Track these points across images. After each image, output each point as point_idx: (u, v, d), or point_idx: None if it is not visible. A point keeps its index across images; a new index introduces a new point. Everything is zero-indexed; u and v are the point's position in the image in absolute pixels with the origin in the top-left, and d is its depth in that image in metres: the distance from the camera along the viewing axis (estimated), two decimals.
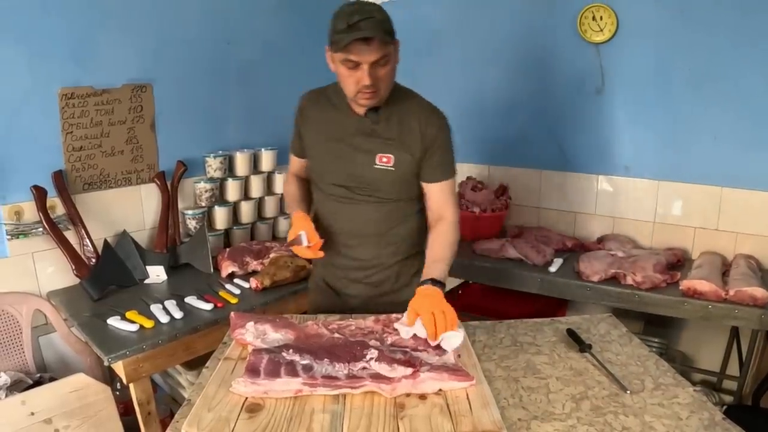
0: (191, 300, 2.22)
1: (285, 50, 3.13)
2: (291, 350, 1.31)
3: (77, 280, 2.33)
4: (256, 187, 3.02)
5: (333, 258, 1.81)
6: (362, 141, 1.65)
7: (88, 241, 2.38)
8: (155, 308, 2.13)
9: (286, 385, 1.21)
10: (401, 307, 1.68)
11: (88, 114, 2.40)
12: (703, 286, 2.22)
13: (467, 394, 1.23)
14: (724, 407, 2.35)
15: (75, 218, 2.36)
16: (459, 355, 1.39)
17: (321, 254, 1.69)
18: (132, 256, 2.50)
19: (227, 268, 2.51)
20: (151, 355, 1.95)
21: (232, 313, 1.55)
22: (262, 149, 3.02)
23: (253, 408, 1.17)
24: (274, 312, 2.23)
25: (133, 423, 2.08)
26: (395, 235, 1.75)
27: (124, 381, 1.93)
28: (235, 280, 2.45)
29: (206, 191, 2.81)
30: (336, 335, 1.44)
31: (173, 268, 2.59)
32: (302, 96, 1.81)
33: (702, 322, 2.57)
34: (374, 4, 1.50)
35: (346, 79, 1.54)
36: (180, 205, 2.77)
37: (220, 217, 2.88)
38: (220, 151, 2.89)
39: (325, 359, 1.28)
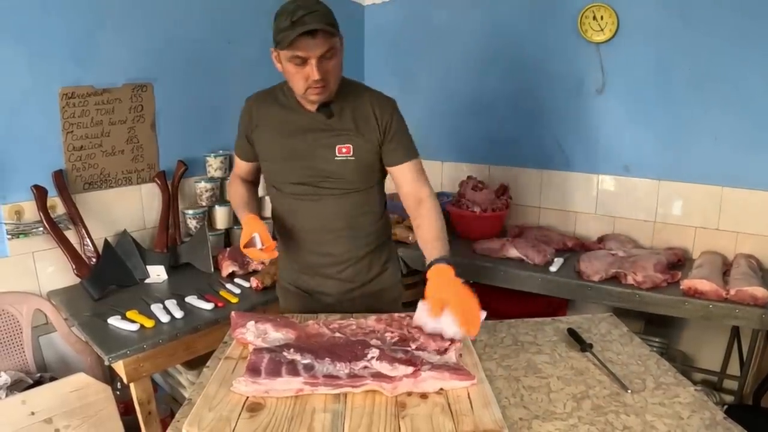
0: (192, 299, 2.22)
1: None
2: (292, 349, 1.31)
3: (78, 280, 2.33)
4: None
5: (301, 258, 1.79)
6: (319, 136, 1.65)
7: (88, 240, 2.38)
8: (156, 308, 2.13)
9: (287, 385, 1.20)
10: (376, 297, 1.77)
11: (88, 113, 2.40)
12: (704, 285, 2.22)
13: (468, 394, 1.23)
14: (725, 407, 2.35)
15: (75, 218, 2.36)
16: (461, 355, 1.38)
17: (275, 254, 1.68)
18: (132, 255, 2.50)
19: (228, 267, 2.51)
20: (152, 354, 1.95)
21: (232, 313, 1.54)
22: None
23: (254, 407, 1.17)
24: (274, 311, 2.22)
25: (134, 423, 2.08)
26: (363, 226, 1.75)
27: (125, 380, 1.93)
28: (236, 280, 2.45)
29: (207, 191, 2.81)
30: (337, 334, 1.44)
31: (174, 267, 2.59)
32: (248, 99, 1.80)
33: (702, 322, 2.57)
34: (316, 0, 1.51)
35: (293, 76, 1.54)
36: (180, 205, 2.77)
37: (221, 216, 2.88)
38: (221, 151, 2.89)
39: (326, 358, 1.27)
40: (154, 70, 2.61)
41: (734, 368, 2.69)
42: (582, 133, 2.98)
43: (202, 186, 2.80)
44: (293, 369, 1.24)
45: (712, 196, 2.66)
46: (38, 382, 2.15)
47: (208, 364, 1.44)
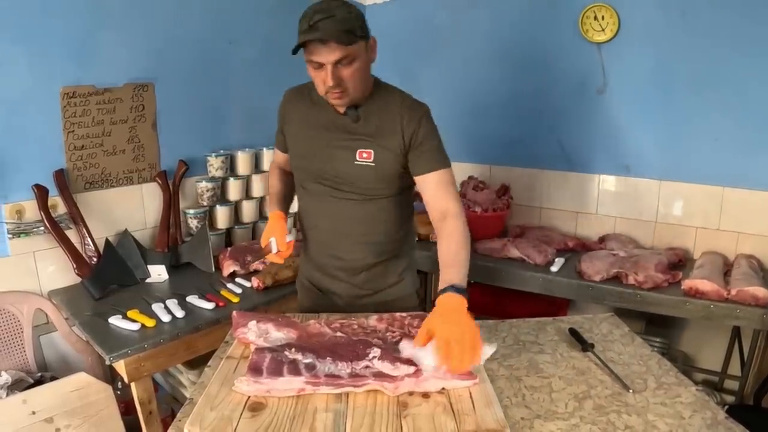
0: (193, 299, 2.22)
1: (286, 50, 3.10)
2: (293, 349, 1.31)
3: (78, 279, 2.33)
4: (258, 186, 3.02)
5: (317, 257, 1.80)
6: (342, 138, 1.63)
7: (89, 240, 2.38)
8: (157, 307, 2.13)
9: (288, 384, 1.20)
10: (388, 306, 1.70)
11: (89, 113, 2.40)
12: (705, 285, 2.22)
13: (470, 393, 1.23)
14: (726, 407, 2.35)
15: (76, 217, 2.36)
16: None
17: (287, 254, 1.73)
18: (133, 255, 2.50)
19: (229, 267, 2.51)
20: (153, 354, 1.95)
21: (234, 312, 1.54)
22: (264, 148, 3.02)
23: (255, 407, 1.17)
24: (275, 311, 2.23)
25: (135, 422, 2.08)
26: (379, 234, 1.71)
27: (126, 380, 1.93)
28: (237, 280, 2.45)
29: (208, 190, 2.81)
30: (338, 334, 1.44)
31: (174, 267, 2.59)
32: (285, 91, 1.81)
33: (703, 322, 2.57)
34: (342, 2, 1.46)
35: (314, 78, 1.52)
36: (181, 205, 2.77)
37: (222, 216, 2.88)
38: (222, 151, 2.89)
39: (328, 358, 1.27)
40: (156, 69, 2.61)
41: (735, 368, 2.69)
42: (583, 133, 2.98)
43: (203, 186, 2.80)
44: (295, 368, 1.24)
45: (713, 196, 2.66)
46: (39, 382, 2.15)
47: (209, 363, 1.44)
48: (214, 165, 2.83)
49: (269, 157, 3.03)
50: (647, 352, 1.58)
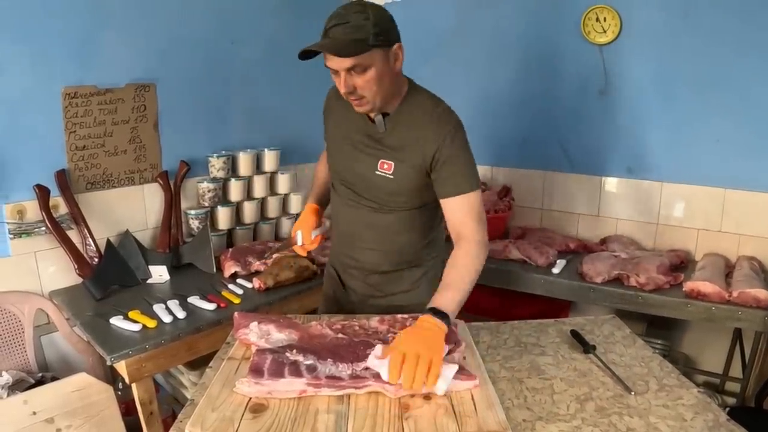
0: (194, 300, 2.22)
1: (289, 50, 3.09)
2: (295, 350, 1.31)
3: (80, 280, 2.33)
4: (259, 187, 3.02)
5: (338, 253, 1.83)
6: (368, 145, 1.61)
7: (90, 240, 2.38)
8: (158, 308, 2.12)
9: (289, 386, 1.20)
10: (399, 311, 1.66)
11: (91, 113, 2.40)
12: (707, 287, 2.22)
13: (472, 395, 1.23)
14: (727, 409, 2.34)
15: (78, 217, 2.36)
16: (464, 357, 1.38)
17: (312, 248, 1.78)
18: (135, 255, 2.50)
19: (230, 268, 2.51)
20: (154, 354, 1.95)
21: (235, 313, 1.54)
22: (265, 149, 3.02)
23: (257, 408, 1.16)
24: (277, 312, 2.23)
25: (135, 423, 2.08)
26: (396, 243, 1.69)
27: (127, 381, 1.93)
28: (238, 280, 2.45)
29: (209, 191, 2.81)
30: (340, 335, 1.43)
31: (176, 268, 2.59)
32: (330, 88, 1.76)
33: (705, 324, 2.57)
34: (366, 5, 1.41)
35: (335, 83, 1.50)
36: (183, 205, 2.77)
37: (223, 217, 2.88)
38: (223, 151, 2.89)
39: (329, 359, 1.27)
40: (157, 70, 2.61)
41: (736, 370, 2.68)
42: (585, 135, 2.97)
43: (205, 186, 2.80)
44: (296, 370, 1.24)
45: (715, 198, 2.65)
46: (40, 382, 2.15)
47: (210, 364, 1.44)
48: (216, 166, 2.83)
49: (271, 158, 3.03)
50: (649, 354, 1.58)
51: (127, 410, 2.30)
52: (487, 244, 1.55)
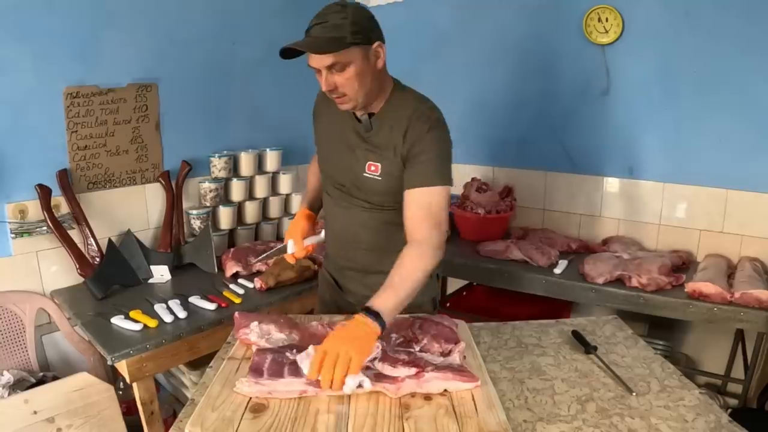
0: (195, 300, 2.22)
1: None
2: (295, 350, 1.31)
3: (81, 279, 2.33)
4: (261, 187, 3.02)
5: (334, 255, 1.82)
6: (356, 146, 1.62)
7: (92, 240, 2.38)
8: (159, 308, 2.13)
9: (290, 386, 1.20)
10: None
11: (93, 113, 2.40)
12: (708, 288, 2.21)
13: (473, 396, 1.23)
14: (729, 411, 2.34)
15: (79, 217, 2.36)
16: (464, 357, 1.38)
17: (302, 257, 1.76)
18: (136, 255, 2.50)
19: (231, 268, 2.51)
20: (155, 354, 1.95)
21: (236, 313, 1.54)
22: (267, 149, 3.02)
23: (257, 408, 1.16)
24: (278, 312, 2.23)
25: (136, 422, 2.08)
26: (396, 243, 1.64)
27: (128, 380, 1.93)
28: (240, 280, 2.45)
29: (211, 191, 2.81)
30: None
31: (177, 267, 2.59)
32: (318, 91, 1.77)
33: (707, 325, 2.56)
34: (345, 5, 1.44)
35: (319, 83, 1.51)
36: (184, 205, 2.77)
37: (225, 217, 2.88)
38: (225, 151, 2.89)
39: None
40: (159, 70, 2.61)
41: (738, 372, 2.67)
42: (587, 135, 2.97)
43: (207, 186, 2.80)
44: (296, 370, 1.24)
45: (717, 198, 2.65)
46: (41, 382, 2.15)
47: (211, 364, 1.44)
48: (218, 166, 2.83)
49: (272, 158, 3.03)
50: (650, 355, 1.58)
51: (128, 410, 2.30)
52: (441, 246, 1.49)
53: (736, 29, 2.47)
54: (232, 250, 2.67)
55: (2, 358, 2.21)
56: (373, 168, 1.59)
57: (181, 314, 2.10)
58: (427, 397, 1.22)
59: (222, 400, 1.19)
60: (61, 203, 2.34)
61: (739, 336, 2.66)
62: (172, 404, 2.59)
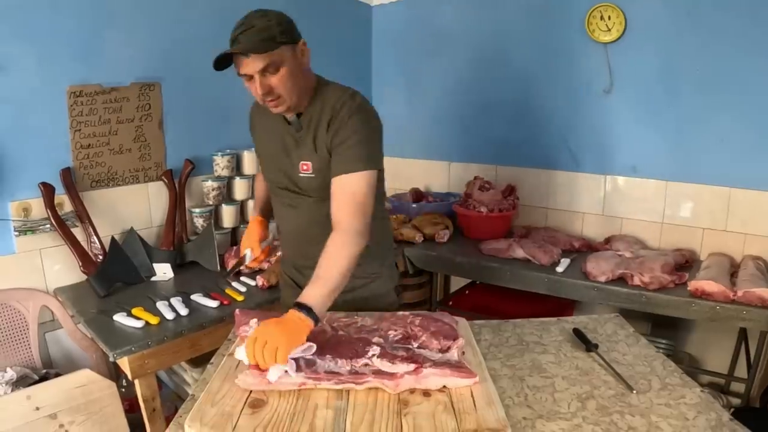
0: (197, 297, 2.23)
1: None
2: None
3: (84, 277, 2.34)
4: None
5: (291, 256, 1.85)
6: (291, 148, 1.64)
7: (95, 238, 2.39)
8: (161, 305, 2.13)
9: (289, 378, 1.21)
10: (365, 303, 1.71)
11: (96, 112, 2.41)
12: (711, 286, 2.20)
13: (472, 392, 1.22)
14: (732, 410, 2.33)
15: (82, 215, 2.37)
16: (463, 353, 1.38)
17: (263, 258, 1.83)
18: (139, 253, 2.51)
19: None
20: (157, 351, 1.95)
21: (236, 311, 1.55)
22: None
23: (256, 403, 1.17)
24: (279, 309, 2.22)
25: (139, 420, 2.09)
26: None
27: (130, 377, 1.93)
28: (242, 278, 2.45)
29: (213, 189, 2.82)
30: (340, 332, 1.44)
31: (180, 265, 2.60)
32: (252, 104, 1.84)
33: (710, 324, 2.55)
34: (266, 11, 1.49)
35: (250, 90, 1.53)
36: (187, 203, 2.78)
37: (227, 215, 2.89)
38: (228, 150, 2.89)
39: (328, 356, 1.28)
40: (162, 69, 2.62)
41: (742, 371, 2.66)
42: (589, 134, 2.97)
43: (209, 185, 2.81)
44: (295, 365, 1.24)
45: (720, 197, 2.64)
46: (43, 379, 2.15)
47: (212, 360, 1.44)
48: (220, 164, 2.84)
49: None
50: (652, 353, 1.57)
51: (131, 407, 2.31)
52: (362, 233, 1.49)
53: (738, 28, 2.47)
54: (234, 248, 2.67)
55: (5, 355, 2.22)
56: (305, 167, 1.61)
57: (183, 311, 2.10)
58: (426, 394, 1.22)
59: (222, 395, 1.20)
60: (64, 201, 2.35)
61: (743, 335, 2.65)
62: (175, 402, 2.60)
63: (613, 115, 2.88)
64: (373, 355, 1.27)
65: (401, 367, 1.24)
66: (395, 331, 1.43)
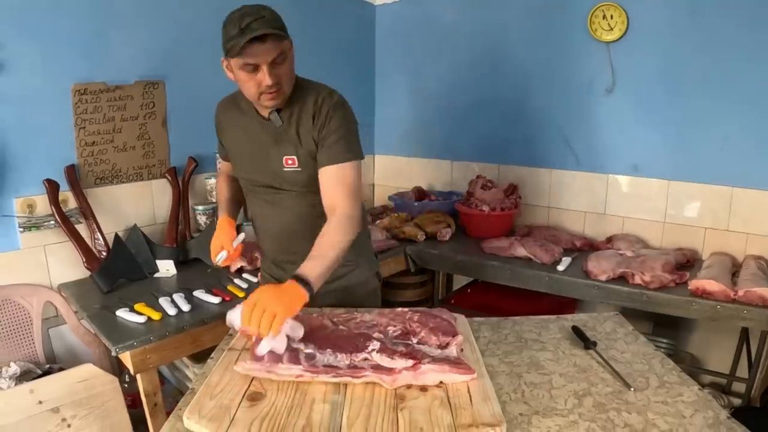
0: (199, 293, 2.24)
1: (295, 48, 3.15)
2: (295, 339, 1.32)
3: (88, 273, 2.36)
4: None
5: (271, 253, 1.85)
6: (271, 144, 1.64)
7: (99, 234, 2.41)
8: (163, 301, 2.14)
9: (287, 370, 1.22)
10: (348, 293, 1.74)
11: (100, 110, 2.43)
12: (712, 286, 2.20)
13: (468, 388, 1.23)
14: (732, 409, 2.33)
15: (86, 212, 2.39)
16: (462, 349, 1.38)
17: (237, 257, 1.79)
18: (142, 250, 2.52)
19: (236, 263, 2.53)
20: (159, 346, 1.97)
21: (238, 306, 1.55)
22: None
23: (254, 396, 1.18)
24: None
25: (141, 415, 2.10)
26: (322, 227, 1.69)
27: (132, 371, 1.95)
28: (244, 275, 2.47)
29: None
30: (341, 327, 1.45)
31: (183, 262, 2.62)
32: (218, 103, 1.85)
33: (711, 324, 2.55)
34: (262, 5, 1.49)
35: (246, 83, 1.51)
36: (190, 201, 2.80)
37: None
38: None
39: (328, 350, 1.29)
40: (166, 67, 2.63)
41: (743, 370, 2.66)
42: (591, 133, 2.97)
43: (212, 182, 2.83)
44: (295, 357, 1.26)
45: (723, 196, 2.64)
46: (47, 373, 2.17)
47: (212, 355, 1.45)
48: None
49: None
50: (650, 351, 1.57)
51: (133, 403, 2.33)
52: (357, 218, 1.55)
53: (740, 27, 2.47)
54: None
55: (9, 350, 2.24)
56: (290, 161, 1.63)
57: (185, 307, 2.12)
58: (423, 389, 1.22)
59: (221, 388, 1.21)
60: (68, 198, 2.37)
61: (744, 335, 2.65)
62: (177, 397, 2.59)
63: (615, 115, 2.88)
64: (373, 349, 1.28)
65: (400, 363, 1.24)
66: (394, 327, 1.44)
